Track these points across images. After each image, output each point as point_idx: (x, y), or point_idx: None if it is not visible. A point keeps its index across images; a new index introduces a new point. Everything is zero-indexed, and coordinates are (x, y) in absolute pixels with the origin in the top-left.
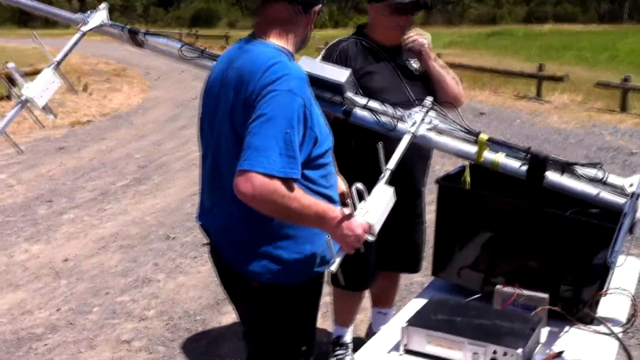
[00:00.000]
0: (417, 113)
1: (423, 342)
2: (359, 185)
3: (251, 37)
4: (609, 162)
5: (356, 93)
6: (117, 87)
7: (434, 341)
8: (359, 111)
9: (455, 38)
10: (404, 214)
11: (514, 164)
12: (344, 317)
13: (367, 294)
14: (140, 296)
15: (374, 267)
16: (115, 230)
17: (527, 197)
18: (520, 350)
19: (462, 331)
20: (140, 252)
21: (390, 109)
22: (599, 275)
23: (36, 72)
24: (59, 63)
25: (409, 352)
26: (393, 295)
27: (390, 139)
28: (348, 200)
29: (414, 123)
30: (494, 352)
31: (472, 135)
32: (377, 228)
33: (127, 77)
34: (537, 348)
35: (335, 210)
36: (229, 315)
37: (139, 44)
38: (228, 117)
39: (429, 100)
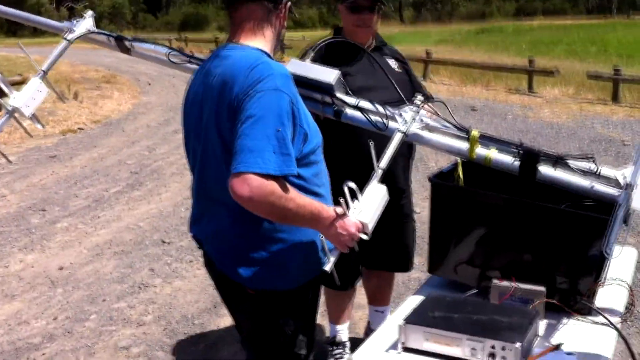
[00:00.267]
0: (407, 112)
1: (421, 340)
2: (351, 184)
3: (227, 43)
4: (602, 153)
5: (346, 93)
6: (108, 94)
7: (431, 338)
8: (349, 111)
9: (445, 36)
10: (390, 213)
11: (507, 159)
12: (336, 315)
13: (363, 292)
14: (137, 302)
15: (357, 265)
16: (110, 237)
17: (521, 192)
18: (518, 344)
19: (459, 327)
20: (136, 258)
21: (380, 108)
22: (595, 266)
23: (26, 82)
24: (45, 72)
25: (407, 349)
26: (389, 293)
27: (376, 137)
28: (341, 199)
29: (406, 122)
30: (492, 347)
31: (464, 132)
32: (371, 227)
33: (117, 83)
34: (536, 341)
35: (329, 210)
36: (227, 318)
37: (127, 51)
38: (214, 124)
39: (419, 98)
